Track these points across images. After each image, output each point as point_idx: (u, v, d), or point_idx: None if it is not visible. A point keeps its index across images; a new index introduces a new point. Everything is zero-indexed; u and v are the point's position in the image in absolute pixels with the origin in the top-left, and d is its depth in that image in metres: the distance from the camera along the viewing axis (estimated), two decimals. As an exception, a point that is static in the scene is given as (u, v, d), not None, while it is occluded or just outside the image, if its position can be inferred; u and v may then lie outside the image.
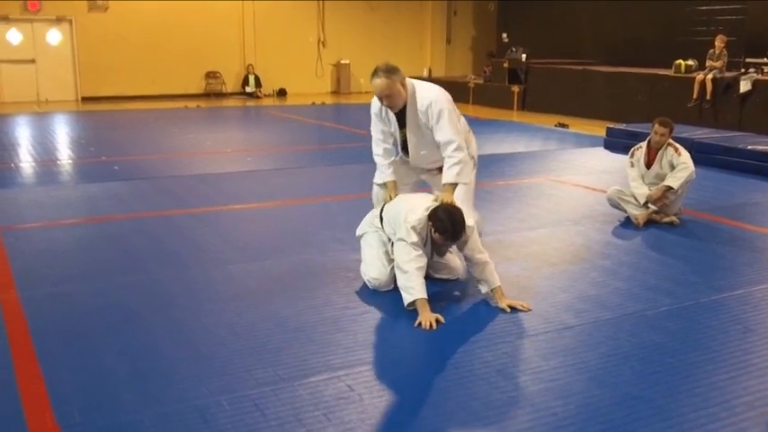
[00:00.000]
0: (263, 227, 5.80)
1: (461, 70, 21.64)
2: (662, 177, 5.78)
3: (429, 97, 4.10)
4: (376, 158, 4.44)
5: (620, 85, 14.35)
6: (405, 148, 4.35)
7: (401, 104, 4.13)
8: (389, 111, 4.23)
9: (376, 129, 4.39)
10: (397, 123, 4.26)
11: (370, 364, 3.26)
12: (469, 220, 3.90)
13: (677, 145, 5.80)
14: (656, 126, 5.75)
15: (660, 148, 5.77)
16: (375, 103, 4.27)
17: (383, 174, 4.42)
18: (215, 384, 3.06)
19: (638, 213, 5.76)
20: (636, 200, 5.83)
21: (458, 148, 4.08)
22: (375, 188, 4.55)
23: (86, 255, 5.02)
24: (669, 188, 5.65)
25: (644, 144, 5.91)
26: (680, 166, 5.67)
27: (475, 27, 22.46)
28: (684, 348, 3.48)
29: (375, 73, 4.03)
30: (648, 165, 5.84)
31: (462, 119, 4.38)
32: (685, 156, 5.74)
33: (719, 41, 12.45)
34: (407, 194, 4.31)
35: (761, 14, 13.28)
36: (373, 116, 4.38)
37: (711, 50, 12.55)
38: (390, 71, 4.02)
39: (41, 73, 17.31)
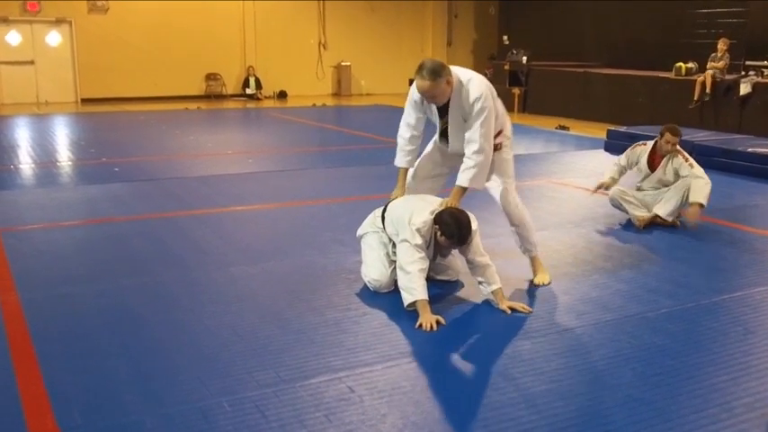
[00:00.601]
0: (265, 229, 5.80)
1: (462, 72, 21.58)
2: (665, 183, 5.78)
3: (474, 95, 3.94)
4: (399, 140, 4.32)
5: (620, 87, 14.37)
6: (443, 135, 4.24)
7: (445, 100, 4.00)
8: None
9: (410, 115, 4.26)
10: (438, 113, 4.14)
11: (371, 366, 3.26)
12: (474, 223, 3.90)
13: (687, 155, 5.77)
14: (668, 135, 5.68)
15: (666, 154, 5.76)
16: (415, 93, 4.12)
17: (400, 159, 4.33)
18: (216, 386, 3.06)
19: (639, 215, 5.76)
20: (638, 202, 5.83)
21: (478, 151, 3.96)
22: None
23: (87, 256, 5.02)
24: (701, 206, 5.60)
25: (649, 143, 5.90)
26: (699, 181, 5.61)
27: (476, 29, 22.49)
28: (685, 350, 3.48)
29: (419, 73, 3.85)
30: (652, 168, 5.84)
31: (500, 104, 4.21)
32: (698, 169, 5.69)
33: (722, 44, 12.48)
34: (412, 196, 4.29)
35: (762, 17, 13.32)
36: (411, 104, 4.24)
37: (714, 53, 12.58)
38: (436, 73, 3.82)
39: (41, 74, 17.32)
